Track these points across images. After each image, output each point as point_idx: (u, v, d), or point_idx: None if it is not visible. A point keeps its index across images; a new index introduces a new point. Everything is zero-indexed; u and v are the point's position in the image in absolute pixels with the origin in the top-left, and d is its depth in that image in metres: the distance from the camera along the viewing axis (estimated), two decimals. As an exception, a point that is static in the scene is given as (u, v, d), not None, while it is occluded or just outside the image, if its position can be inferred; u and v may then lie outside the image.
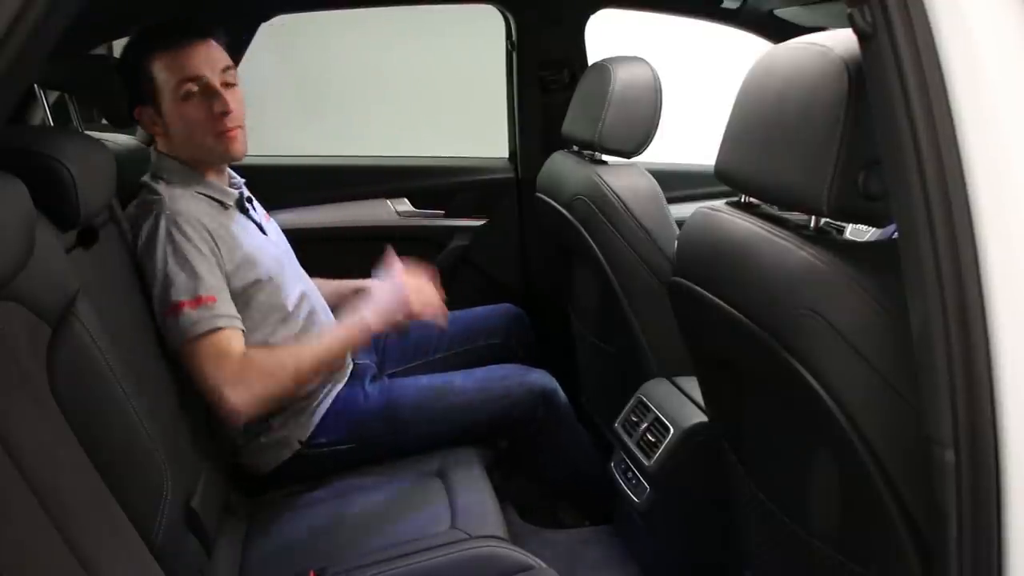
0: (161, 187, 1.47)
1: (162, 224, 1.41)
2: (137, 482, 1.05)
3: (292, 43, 3.16)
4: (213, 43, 1.50)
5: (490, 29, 2.42)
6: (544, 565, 1.24)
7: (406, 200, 2.33)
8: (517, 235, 2.40)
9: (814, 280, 0.88)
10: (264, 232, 1.62)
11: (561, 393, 1.70)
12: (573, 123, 1.93)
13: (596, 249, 1.71)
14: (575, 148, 1.96)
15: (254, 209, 1.64)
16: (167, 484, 1.12)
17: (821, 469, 0.99)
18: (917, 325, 0.78)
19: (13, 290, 0.84)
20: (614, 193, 1.69)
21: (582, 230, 1.75)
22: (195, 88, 1.46)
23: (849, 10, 0.78)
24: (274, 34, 2.23)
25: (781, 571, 1.17)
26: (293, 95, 3.40)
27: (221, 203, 1.54)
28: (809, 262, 0.89)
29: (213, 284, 1.41)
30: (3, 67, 0.63)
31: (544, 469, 1.75)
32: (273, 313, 1.54)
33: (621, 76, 1.76)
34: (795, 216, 0.99)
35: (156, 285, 1.40)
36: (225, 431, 1.51)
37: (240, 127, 1.51)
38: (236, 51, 2.21)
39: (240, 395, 1.38)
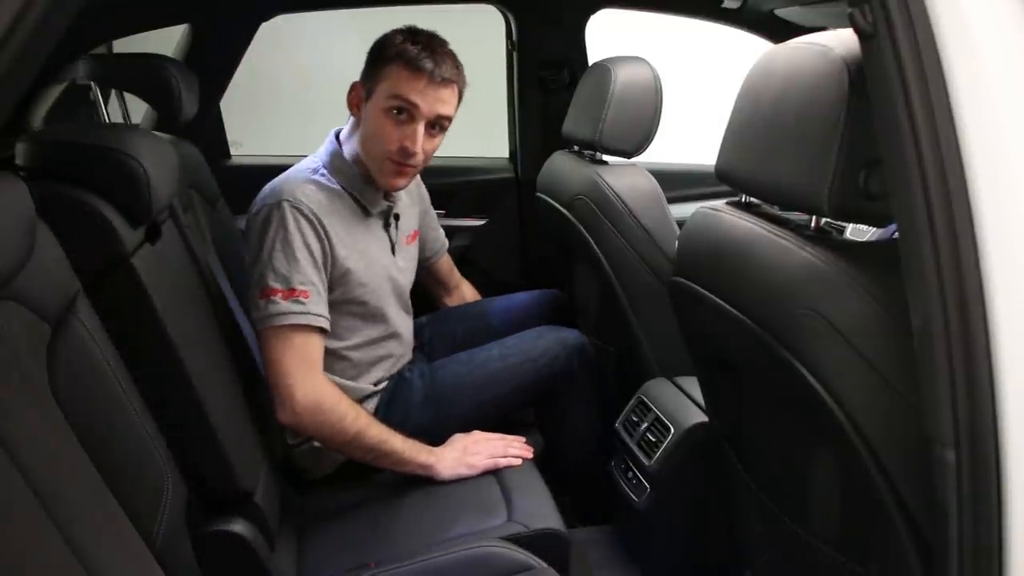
0: (316, 180, 1.50)
1: (283, 209, 1.43)
2: (138, 482, 1.05)
3: (292, 43, 3.16)
4: (451, 90, 1.49)
5: (490, 29, 2.42)
6: (544, 565, 1.23)
7: (406, 200, 2.33)
8: (517, 235, 2.39)
9: (814, 280, 0.88)
10: (395, 253, 1.63)
11: (589, 347, 1.71)
12: (573, 123, 1.93)
13: (596, 249, 1.71)
14: (575, 148, 1.96)
15: (397, 228, 1.64)
16: (168, 484, 1.12)
17: (821, 469, 0.99)
18: (917, 325, 0.78)
19: (13, 290, 0.84)
20: (615, 193, 1.69)
21: (582, 230, 1.74)
22: (402, 110, 1.46)
23: (850, 10, 0.78)
24: (274, 34, 2.23)
25: (781, 571, 1.17)
26: (293, 95, 3.40)
27: (364, 208, 1.55)
28: (810, 262, 0.89)
29: (310, 279, 1.43)
30: (3, 67, 0.63)
31: (566, 434, 1.73)
32: (357, 332, 1.56)
33: (621, 76, 1.76)
34: (796, 216, 0.99)
35: (257, 264, 1.43)
36: (279, 430, 1.52)
37: (414, 168, 1.52)
38: (236, 51, 2.22)
39: (303, 409, 1.40)
